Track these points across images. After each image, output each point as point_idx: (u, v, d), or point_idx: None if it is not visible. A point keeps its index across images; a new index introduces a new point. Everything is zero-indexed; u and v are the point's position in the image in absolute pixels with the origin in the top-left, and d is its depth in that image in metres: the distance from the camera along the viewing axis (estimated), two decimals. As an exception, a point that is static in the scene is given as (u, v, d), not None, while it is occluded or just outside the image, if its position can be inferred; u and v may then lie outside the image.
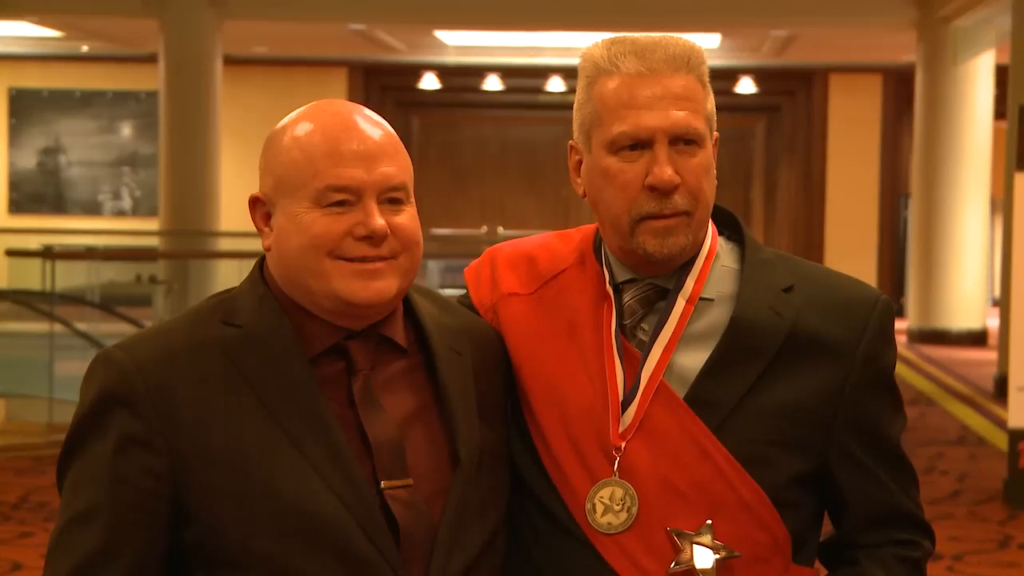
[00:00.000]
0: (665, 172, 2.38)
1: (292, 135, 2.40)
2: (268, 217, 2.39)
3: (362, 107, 2.46)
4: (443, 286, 18.85)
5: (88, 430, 2.31)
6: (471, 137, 28.54)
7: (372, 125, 2.40)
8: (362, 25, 22.78)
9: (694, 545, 2.35)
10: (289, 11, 21.46)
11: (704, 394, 2.42)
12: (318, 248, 2.31)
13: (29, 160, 27.68)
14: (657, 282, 2.48)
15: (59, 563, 2.30)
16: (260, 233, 2.42)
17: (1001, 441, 11.34)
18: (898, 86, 26.01)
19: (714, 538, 2.36)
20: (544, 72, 26.94)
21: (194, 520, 2.28)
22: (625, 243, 2.45)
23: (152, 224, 23.60)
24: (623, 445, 2.40)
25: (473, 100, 27.09)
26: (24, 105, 27.62)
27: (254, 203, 2.42)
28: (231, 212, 22.68)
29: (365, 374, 2.37)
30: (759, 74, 26.78)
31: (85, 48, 26.25)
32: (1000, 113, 18.94)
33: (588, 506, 2.40)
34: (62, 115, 27.63)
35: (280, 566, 2.25)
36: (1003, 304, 13.94)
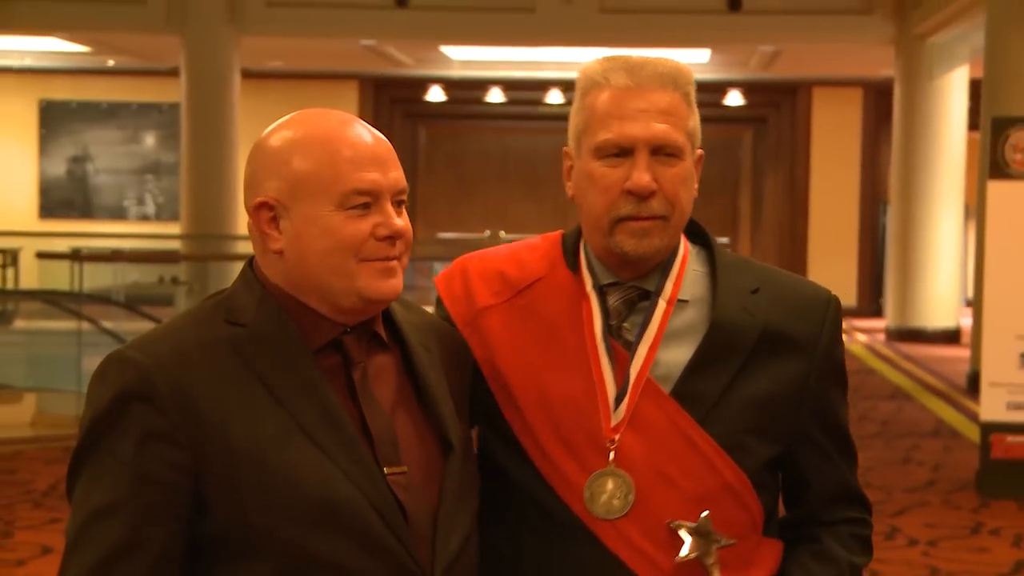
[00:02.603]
0: (643, 178, 2.42)
1: (304, 141, 2.34)
2: (274, 221, 2.34)
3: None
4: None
5: (106, 428, 2.27)
6: (475, 146, 28.56)
7: (375, 132, 2.40)
8: (372, 41, 22.75)
9: (695, 537, 2.38)
10: (303, 28, 21.41)
11: (690, 389, 2.46)
12: (346, 250, 2.30)
13: (58, 168, 27.65)
14: (639, 284, 2.52)
15: (83, 557, 2.25)
16: (265, 237, 2.35)
17: (973, 433, 11.37)
18: (878, 99, 26.03)
19: (713, 528, 2.40)
20: (544, 85, 26.92)
21: (215, 511, 2.27)
22: (605, 242, 2.49)
23: (174, 228, 23.59)
24: (616, 438, 2.43)
25: (477, 112, 27.08)
26: (54, 116, 27.58)
27: (260, 208, 2.34)
28: (246, 215, 22.69)
29: (363, 366, 2.38)
30: (746, 87, 26.79)
31: (111, 62, 26.20)
32: (974, 124, 18.92)
33: (586, 495, 2.42)
34: (89, 125, 27.60)
35: (303, 551, 2.25)
36: (976, 304, 13.93)
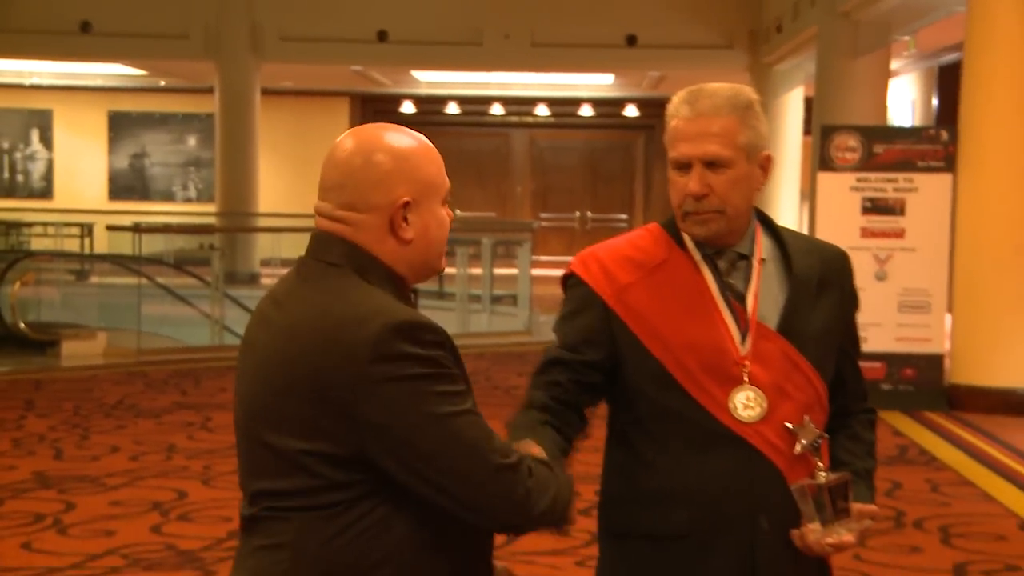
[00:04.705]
0: (695, 187, 2.48)
1: (424, 152, 2.20)
2: (406, 216, 2.14)
3: None
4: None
5: (447, 363, 2.06)
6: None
7: None
8: (360, 67, 22.76)
9: (807, 433, 2.48)
10: (308, 56, 21.42)
11: (788, 325, 2.53)
12: (446, 236, 2.24)
13: (123, 162, 27.65)
14: (736, 249, 2.57)
15: (474, 432, 2.04)
16: (398, 228, 2.13)
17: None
18: (737, 112, 26.05)
19: (814, 427, 2.50)
20: (488, 100, 26.91)
21: None
22: (682, 228, 2.56)
23: (211, 208, 23.54)
24: (747, 363, 2.49)
25: (438, 120, 26.95)
26: (119, 123, 27.56)
27: (403, 206, 2.13)
28: (266, 199, 22.65)
29: None
30: (640, 102, 26.83)
31: (163, 82, 26.15)
32: (807, 131, 19.01)
33: (731, 405, 2.47)
34: (146, 130, 27.57)
35: None
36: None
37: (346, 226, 2.13)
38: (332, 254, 2.13)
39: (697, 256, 2.56)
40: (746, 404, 2.48)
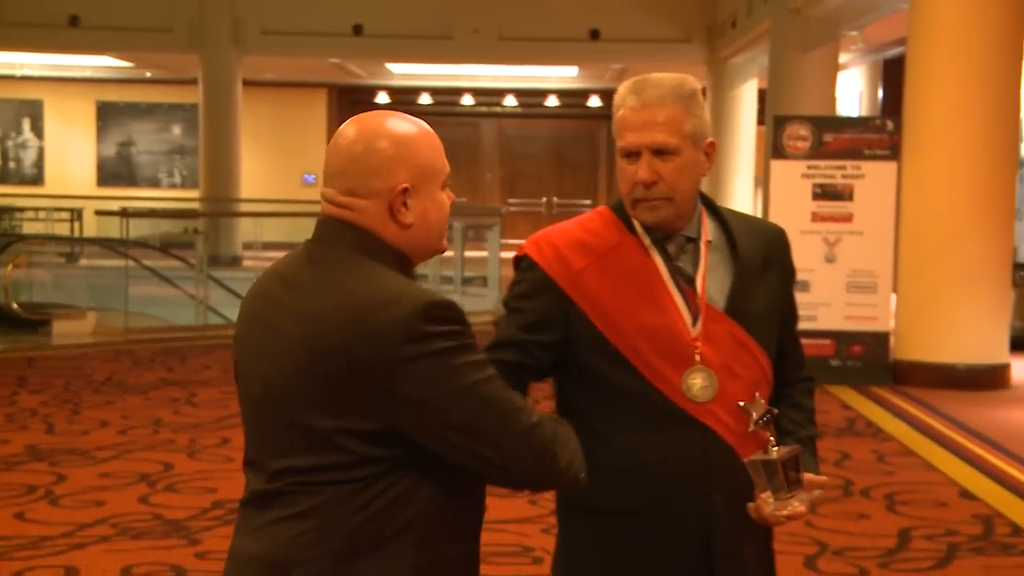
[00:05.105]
0: (643, 174, 2.44)
1: (423, 138, 2.18)
2: (406, 201, 2.13)
3: None
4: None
5: (470, 333, 2.10)
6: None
7: None
8: (337, 59, 22.66)
9: (758, 409, 2.46)
10: (288, 49, 21.33)
11: (735, 306, 2.50)
12: (447, 218, 2.23)
13: (111, 150, 27.49)
14: (685, 233, 2.53)
15: (497, 384, 2.08)
16: (398, 213, 2.12)
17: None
18: (694, 102, 26.09)
19: (764, 403, 2.48)
20: (459, 91, 26.86)
21: None
22: (632, 214, 2.51)
23: (194, 193, 23.46)
24: (698, 345, 2.46)
25: (411, 110, 25.78)
26: (107, 113, 27.41)
27: (403, 191, 2.11)
28: (247, 185, 22.56)
29: None
30: (603, 93, 26.82)
31: (148, 74, 26.01)
32: (761, 121, 19.08)
33: (684, 386, 2.45)
34: (133, 120, 27.42)
35: None
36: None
37: (350, 211, 2.11)
38: (343, 239, 2.11)
39: (647, 241, 2.52)
40: (699, 384, 2.46)
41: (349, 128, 2.16)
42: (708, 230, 2.55)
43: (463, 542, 2.15)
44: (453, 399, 2.03)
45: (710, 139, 2.51)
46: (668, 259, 2.51)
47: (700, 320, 2.48)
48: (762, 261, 2.55)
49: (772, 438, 2.45)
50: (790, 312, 2.64)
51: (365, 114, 2.19)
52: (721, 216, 2.59)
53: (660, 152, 2.44)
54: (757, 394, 2.48)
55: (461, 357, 2.04)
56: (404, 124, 2.17)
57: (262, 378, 2.12)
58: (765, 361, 2.53)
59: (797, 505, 2.41)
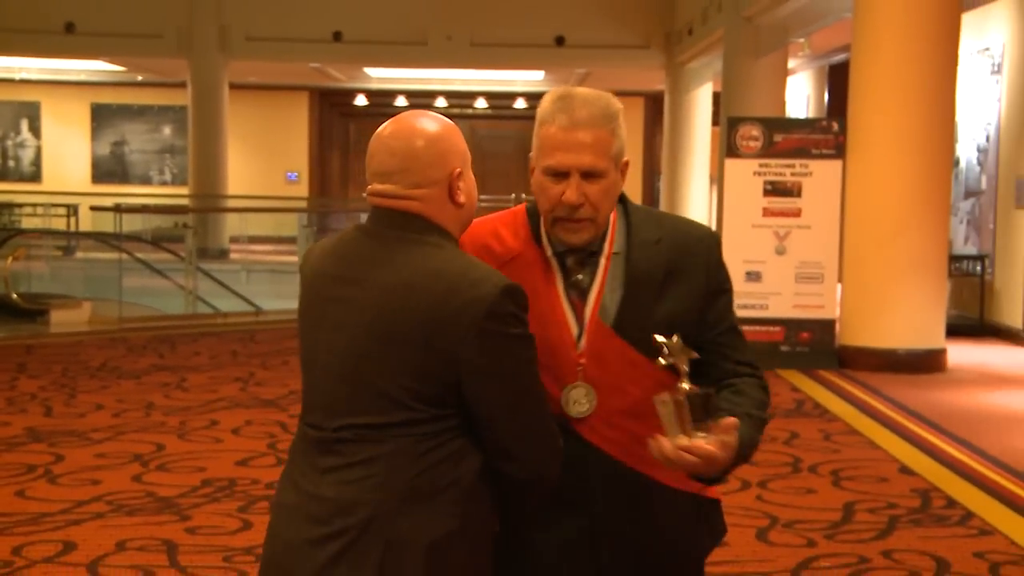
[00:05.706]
0: (573, 197, 2.31)
1: (456, 129, 2.30)
2: (458, 183, 2.26)
3: None
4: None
5: (525, 320, 2.23)
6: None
7: None
8: (318, 64, 22.59)
9: (672, 349, 2.29)
10: (272, 54, 21.28)
11: (623, 322, 2.36)
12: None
13: (104, 149, 27.34)
14: (590, 248, 2.38)
15: (534, 377, 2.22)
16: (456, 193, 2.25)
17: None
18: (653, 105, 26.17)
19: (683, 345, 2.29)
20: (433, 94, 26.80)
21: None
22: (550, 231, 2.37)
23: (184, 190, 23.37)
24: (583, 362, 2.34)
25: (388, 112, 26.40)
26: (101, 114, 27.26)
27: (459, 176, 2.25)
28: (234, 182, 22.48)
29: None
30: (567, 97, 26.77)
31: (140, 77, 25.87)
32: (715, 122, 19.10)
33: (563, 401, 2.34)
34: (126, 121, 27.27)
35: None
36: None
37: (415, 202, 2.22)
38: (413, 226, 2.21)
39: (548, 252, 2.40)
40: (576, 400, 2.34)
41: (397, 132, 2.25)
42: (617, 241, 2.41)
43: (493, 515, 2.25)
44: (513, 376, 2.18)
45: (627, 158, 2.40)
46: (565, 273, 2.39)
47: (585, 337, 2.35)
48: (666, 272, 2.37)
49: (685, 381, 2.27)
50: (716, 316, 2.42)
51: (400, 117, 2.29)
52: (630, 225, 2.43)
53: (588, 174, 2.31)
54: (676, 336, 2.31)
55: (526, 342, 2.19)
56: (438, 120, 2.28)
57: (334, 346, 2.21)
58: (662, 375, 2.32)
59: (699, 440, 2.22)
